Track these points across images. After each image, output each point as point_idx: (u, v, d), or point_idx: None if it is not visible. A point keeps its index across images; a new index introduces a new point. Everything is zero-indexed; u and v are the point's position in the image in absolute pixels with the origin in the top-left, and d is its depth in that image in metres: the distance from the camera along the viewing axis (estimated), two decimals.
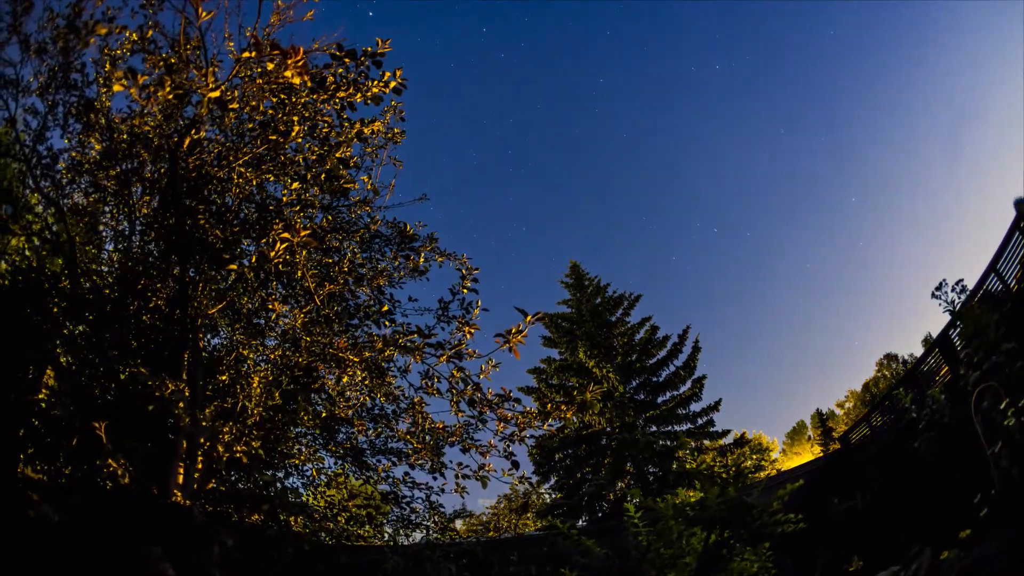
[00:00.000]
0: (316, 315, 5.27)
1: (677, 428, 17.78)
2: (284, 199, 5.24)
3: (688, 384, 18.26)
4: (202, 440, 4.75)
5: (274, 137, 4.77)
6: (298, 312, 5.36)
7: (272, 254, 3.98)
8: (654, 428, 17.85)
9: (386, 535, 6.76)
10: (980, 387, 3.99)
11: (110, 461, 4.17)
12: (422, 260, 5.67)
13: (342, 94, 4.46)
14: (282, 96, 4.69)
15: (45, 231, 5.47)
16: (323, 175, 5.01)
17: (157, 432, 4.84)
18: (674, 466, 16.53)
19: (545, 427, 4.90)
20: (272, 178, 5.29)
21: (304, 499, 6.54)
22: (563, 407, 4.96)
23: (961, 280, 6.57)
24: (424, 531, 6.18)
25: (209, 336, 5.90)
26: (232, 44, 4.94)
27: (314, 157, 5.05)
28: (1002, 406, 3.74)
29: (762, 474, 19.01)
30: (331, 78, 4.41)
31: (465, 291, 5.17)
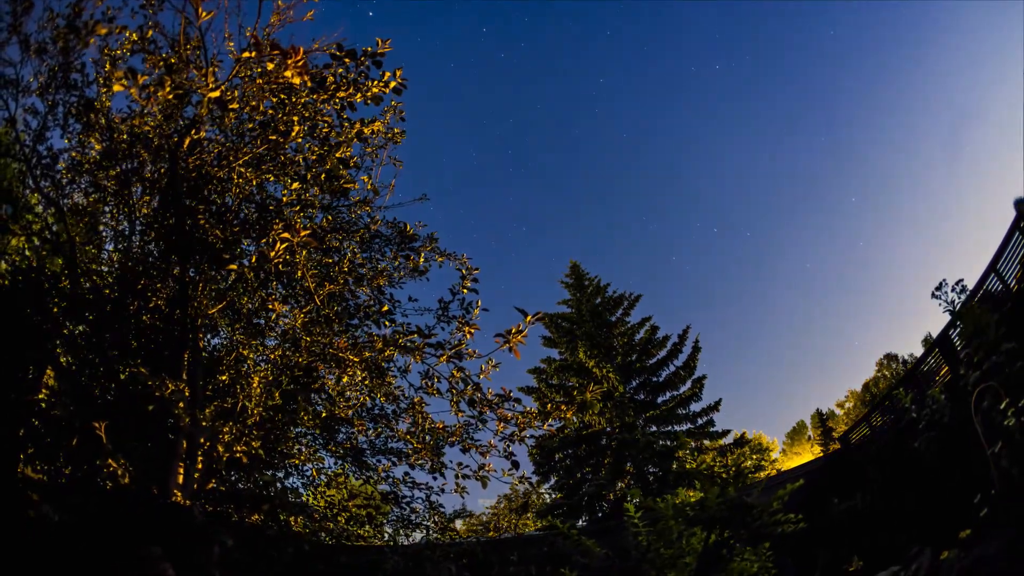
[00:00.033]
0: (316, 315, 5.27)
1: (677, 428, 17.78)
2: (284, 199, 5.24)
3: (688, 384, 18.26)
4: (202, 440, 4.75)
5: (274, 137, 4.77)
6: (298, 312, 5.36)
7: (272, 254, 3.98)
8: (654, 428, 17.85)
9: (386, 535, 6.76)
10: (980, 387, 3.99)
11: (110, 461, 4.17)
12: (422, 260, 5.67)
13: (342, 94, 4.46)
14: (282, 96, 4.69)
15: (45, 231, 5.47)
16: (323, 175, 5.01)
17: (157, 432, 4.84)
18: (674, 466, 16.53)
19: (545, 427, 4.90)
20: (272, 178, 5.29)
21: (304, 499, 6.54)
22: (563, 407, 4.96)
23: (961, 280, 6.57)
24: (424, 531, 6.18)
25: (209, 336, 5.90)
26: (232, 44, 4.94)
27: (314, 157, 5.05)
28: (1002, 406, 3.74)
29: (762, 474, 19.01)
30: (331, 78, 4.41)
31: (465, 291, 5.17)
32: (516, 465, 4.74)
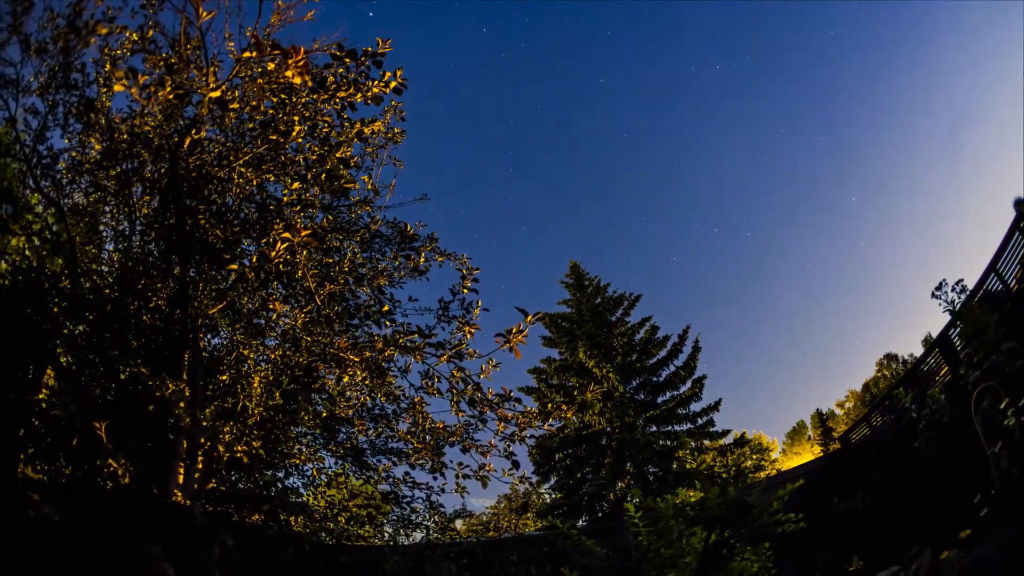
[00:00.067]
0: (316, 315, 5.27)
1: (677, 428, 17.78)
2: (284, 199, 5.24)
3: (688, 384, 18.26)
4: (202, 440, 4.75)
5: (274, 137, 4.77)
6: (298, 312, 5.36)
7: (273, 254, 3.98)
8: (654, 428, 17.85)
9: (386, 535, 6.76)
10: (980, 387, 3.99)
11: (110, 461, 4.16)
12: (422, 260, 5.67)
13: (342, 94, 4.46)
14: (282, 96, 4.69)
15: (45, 231, 5.46)
16: (323, 175, 5.01)
17: (157, 432, 4.84)
18: (674, 466, 16.53)
19: (545, 427, 4.90)
20: (272, 178, 5.29)
21: (304, 499, 6.54)
22: (563, 407, 4.96)
23: (961, 280, 6.58)
24: (424, 531, 6.18)
25: (209, 336, 5.90)
26: (232, 44, 4.94)
27: (314, 157, 5.05)
28: (1002, 406, 3.74)
29: (762, 474, 19.01)
30: (331, 78, 4.41)
31: (465, 291, 5.17)
32: (516, 465, 4.74)
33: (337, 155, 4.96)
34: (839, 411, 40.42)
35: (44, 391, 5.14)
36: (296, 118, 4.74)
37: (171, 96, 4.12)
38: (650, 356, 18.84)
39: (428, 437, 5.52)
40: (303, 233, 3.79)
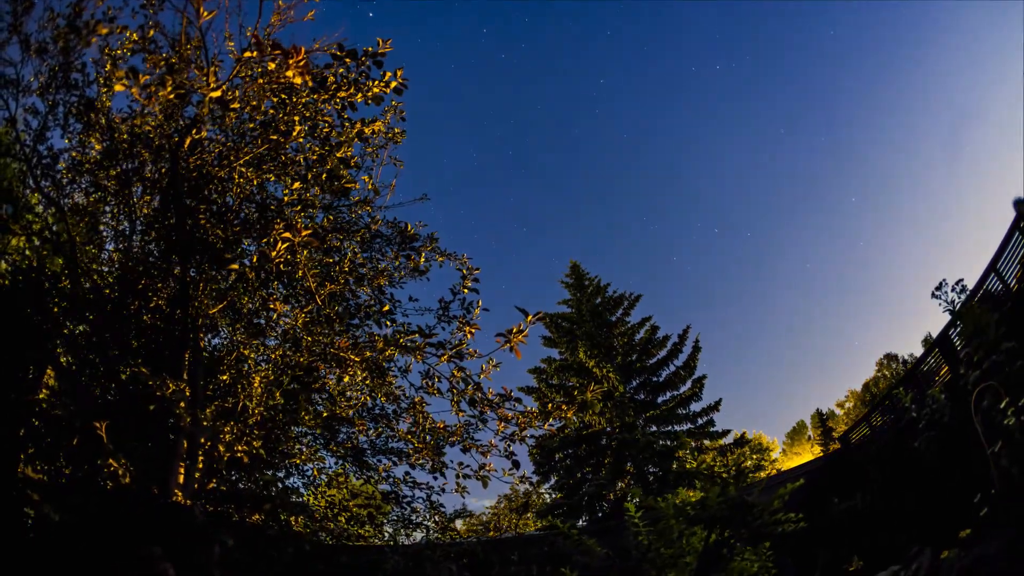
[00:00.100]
0: (317, 315, 5.27)
1: (677, 428, 17.78)
2: (285, 199, 5.24)
3: (688, 384, 18.26)
4: (203, 440, 4.75)
5: (275, 137, 4.77)
6: (299, 312, 5.36)
7: (273, 254, 3.98)
8: (654, 428, 17.85)
9: (386, 535, 6.76)
10: (980, 386, 3.99)
11: (111, 461, 4.16)
12: (423, 260, 5.67)
13: (343, 94, 4.46)
14: (283, 96, 4.69)
15: (45, 231, 5.47)
16: (324, 175, 5.01)
17: (158, 432, 4.83)
18: (674, 466, 16.53)
19: (546, 427, 4.90)
20: (273, 178, 5.29)
21: (305, 499, 6.54)
22: (564, 407, 4.96)
23: (961, 280, 6.59)
24: (424, 531, 6.18)
25: (210, 336, 5.90)
26: (232, 44, 4.94)
27: (315, 157, 5.05)
28: (1002, 405, 3.75)
29: (762, 474, 19.02)
30: (332, 78, 4.41)
31: (466, 291, 5.17)
32: (517, 465, 4.74)
33: (338, 155, 4.96)
34: (839, 411, 40.43)
35: (44, 391, 5.14)
36: (296, 118, 4.74)
37: (172, 96, 4.12)
38: (650, 356, 18.84)
39: (428, 437, 5.53)
40: (304, 233, 3.79)
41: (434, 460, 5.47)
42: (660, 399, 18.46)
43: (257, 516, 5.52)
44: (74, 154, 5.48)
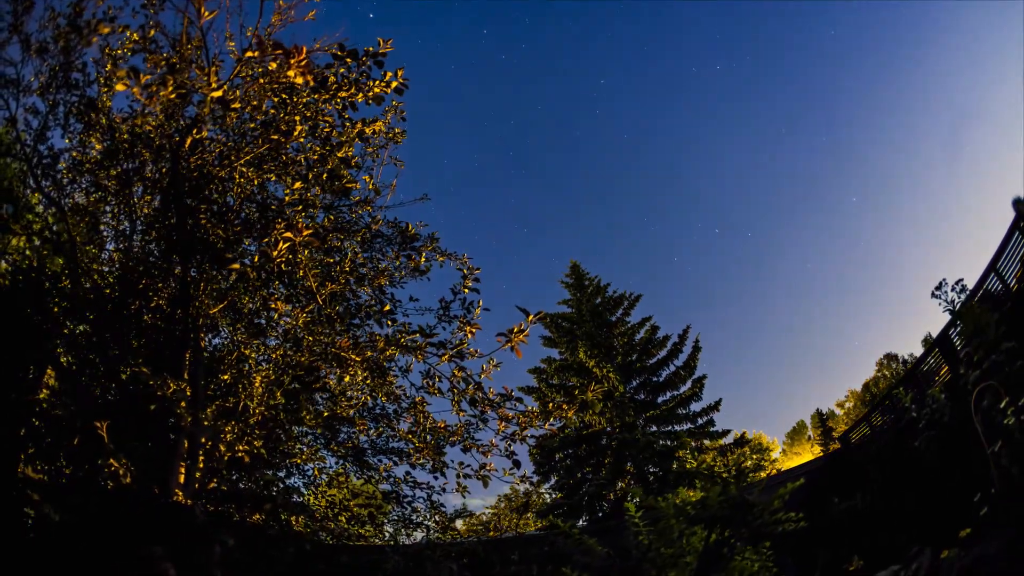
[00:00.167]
0: (318, 314, 5.27)
1: (677, 428, 17.79)
2: (286, 199, 5.24)
3: (688, 384, 18.27)
4: (203, 440, 4.75)
5: (276, 137, 4.77)
6: (300, 312, 5.36)
7: (274, 253, 3.98)
8: (654, 428, 17.86)
9: (387, 535, 6.76)
10: (980, 386, 4.00)
11: (111, 461, 4.16)
12: (423, 260, 5.67)
13: (344, 94, 4.46)
14: (284, 96, 4.69)
15: (46, 231, 5.46)
16: (325, 175, 5.01)
17: (158, 432, 4.83)
18: (674, 466, 16.54)
19: (547, 427, 4.90)
20: (274, 178, 5.29)
21: (305, 499, 6.54)
22: (564, 406, 4.97)
23: (961, 280, 6.61)
24: (425, 531, 6.18)
25: (210, 336, 5.90)
26: (233, 44, 4.95)
27: (316, 157, 5.05)
28: (1002, 405, 3.75)
29: (762, 474, 19.02)
30: (333, 78, 4.41)
31: (466, 291, 5.17)
32: (518, 464, 4.75)
33: (338, 155, 4.97)
34: (839, 411, 40.44)
35: (44, 391, 5.14)
36: (297, 118, 4.74)
37: (173, 96, 4.12)
38: (650, 356, 18.84)
39: (429, 437, 5.53)
40: (305, 233, 3.79)
41: (435, 460, 5.47)
42: (660, 399, 18.47)
43: (258, 516, 5.52)
44: (75, 154, 5.48)
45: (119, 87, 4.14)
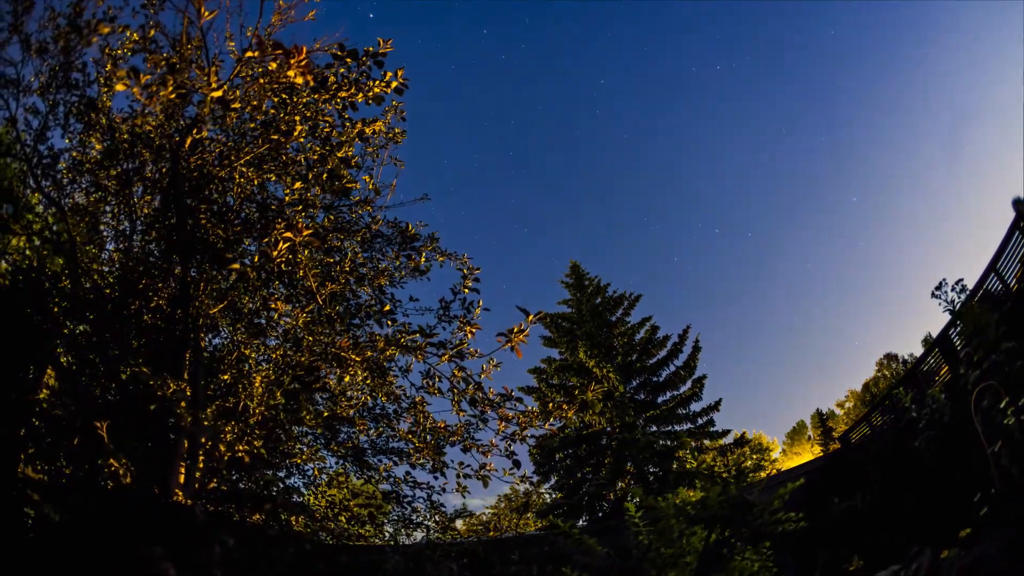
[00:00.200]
0: (318, 314, 5.27)
1: (677, 428, 17.79)
2: (286, 199, 5.24)
3: (688, 384, 18.27)
4: (204, 440, 4.75)
5: (276, 137, 4.77)
6: (300, 311, 5.37)
7: (275, 253, 3.98)
8: (654, 428, 17.86)
9: (387, 535, 6.76)
10: (980, 386, 4.00)
11: (111, 461, 4.16)
12: (423, 260, 5.67)
13: (344, 94, 4.47)
14: (284, 96, 4.69)
15: (46, 231, 5.46)
16: (325, 175, 5.01)
17: (158, 432, 4.83)
18: (674, 466, 16.54)
19: (547, 427, 4.90)
20: (274, 178, 5.29)
21: (305, 499, 6.54)
22: (564, 406, 4.97)
23: (961, 280, 6.61)
24: (425, 531, 6.18)
25: (210, 336, 5.90)
26: (233, 44, 4.95)
27: (316, 157, 5.05)
28: (1002, 405, 3.75)
29: (762, 474, 19.03)
30: (333, 78, 4.41)
31: (466, 291, 5.17)
32: (518, 464, 4.75)
33: (338, 155, 4.97)
34: (839, 411, 40.45)
35: (44, 391, 5.14)
36: (297, 118, 4.74)
37: (173, 96, 4.12)
38: (650, 356, 18.84)
39: (429, 437, 5.53)
40: (305, 233, 3.79)
41: (435, 460, 5.48)
42: (660, 399, 18.47)
43: (258, 516, 5.52)
44: (75, 154, 5.48)
45: (119, 87, 4.14)
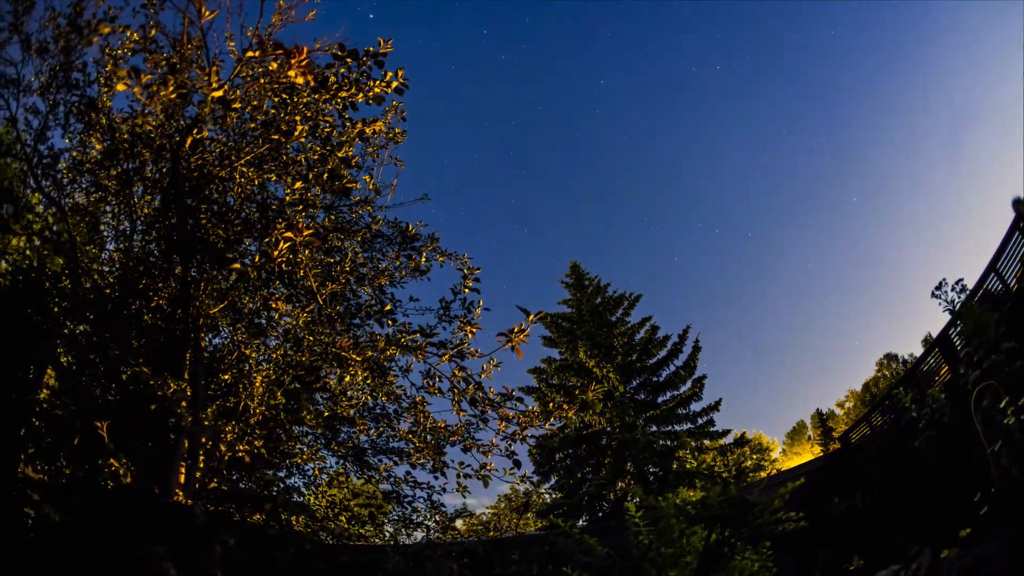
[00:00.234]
0: (318, 314, 5.28)
1: (677, 428, 17.79)
2: (287, 199, 5.25)
3: (688, 384, 18.27)
4: (204, 439, 4.75)
5: (276, 137, 4.77)
6: (300, 311, 5.37)
7: (275, 253, 3.98)
8: (654, 428, 17.86)
9: (387, 535, 6.76)
10: (980, 386, 4.00)
11: (111, 461, 4.16)
12: (423, 260, 5.67)
13: (344, 94, 4.47)
14: (284, 96, 4.69)
15: (46, 231, 5.46)
16: (325, 175, 5.01)
17: (159, 432, 4.83)
18: (674, 466, 16.54)
19: (547, 426, 4.90)
20: (274, 178, 5.29)
21: (306, 499, 6.54)
22: (565, 406, 4.97)
23: (961, 280, 6.62)
24: (425, 530, 6.18)
25: (211, 336, 5.90)
26: (233, 44, 4.94)
27: (316, 157, 5.05)
28: (1002, 405, 3.76)
29: (762, 474, 19.03)
30: (333, 78, 4.41)
31: (467, 291, 5.17)
32: (518, 464, 4.75)
33: (339, 155, 4.97)
34: (839, 411, 40.45)
35: (44, 391, 5.14)
36: (298, 118, 4.74)
37: (173, 95, 4.12)
38: (650, 356, 18.85)
39: (429, 436, 5.53)
40: (305, 232, 3.79)
41: (435, 460, 5.48)
42: (660, 399, 18.47)
43: (258, 516, 5.52)
44: (75, 154, 5.48)
45: (120, 87, 4.14)
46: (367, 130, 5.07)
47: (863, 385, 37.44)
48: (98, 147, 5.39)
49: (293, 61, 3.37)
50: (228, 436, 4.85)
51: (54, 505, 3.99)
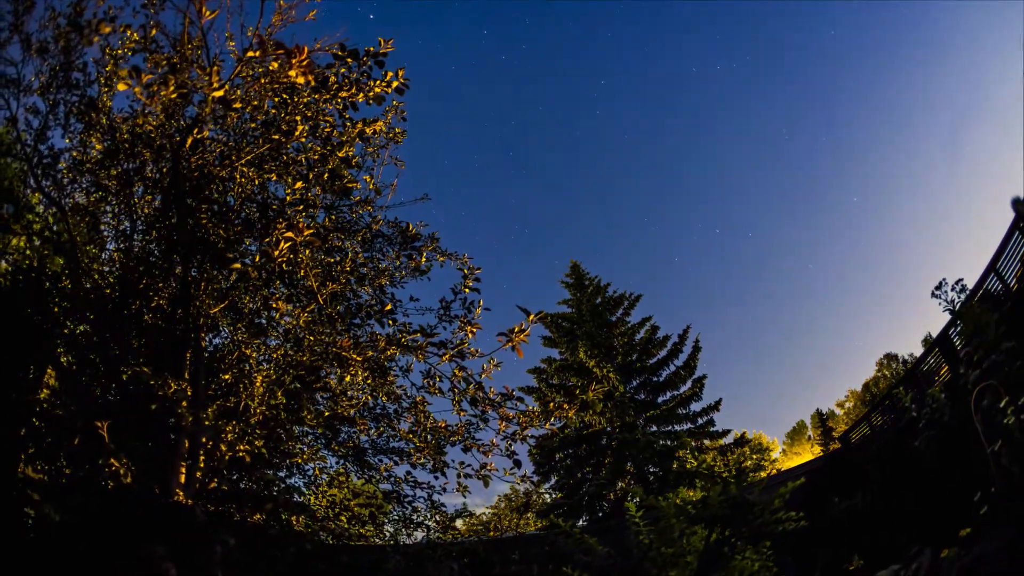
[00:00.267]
0: (319, 314, 5.28)
1: (677, 428, 17.80)
2: (287, 199, 5.25)
3: (688, 384, 18.28)
4: (204, 439, 4.75)
5: (277, 137, 4.77)
6: (301, 311, 5.37)
7: (276, 253, 3.98)
8: (654, 428, 17.87)
9: (388, 534, 6.76)
10: (980, 386, 4.01)
11: (112, 460, 4.16)
12: (424, 260, 5.67)
13: (344, 94, 4.47)
14: (284, 96, 4.69)
15: (46, 230, 5.46)
16: (326, 175, 5.02)
17: (159, 432, 4.83)
18: (675, 466, 16.55)
19: (547, 426, 4.91)
20: (275, 178, 5.30)
21: (306, 498, 6.54)
22: (565, 406, 4.98)
23: (961, 280, 6.62)
24: (425, 530, 6.18)
25: (211, 336, 5.90)
26: (234, 44, 4.95)
27: (316, 157, 5.06)
28: (1002, 404, 3.76)
29: (762, 474, 19.04)
30: (333, 78, 4.41)
31: (467, 290, 5.17)
32: (518, 464, 4.75)
33: (339, 155, 4.97)
34: (839, 411, 40.47)
35: (45, 391, 5.14)
36: (298, 118, 4.74)
37: (174, 95, 4.12)
38: (650, 356, 18.86)
39: (430, 436, 5.53)
40: (306, 232, 3.79)
41: (435, 459, 5.48)
42: (660, 399, 18.48)
43: (258, 516, 5.52)
44: (75, 154, 5.48)
45: (120, 87, 4.14)
46: (367, 130, 5.07)
47: (863, 385, 37.46)
48: (98, 147, 5.39)
49: (294, 61, 3.37)
50: (228, 436, 4.85)
51: (54, 505, 3.99)
